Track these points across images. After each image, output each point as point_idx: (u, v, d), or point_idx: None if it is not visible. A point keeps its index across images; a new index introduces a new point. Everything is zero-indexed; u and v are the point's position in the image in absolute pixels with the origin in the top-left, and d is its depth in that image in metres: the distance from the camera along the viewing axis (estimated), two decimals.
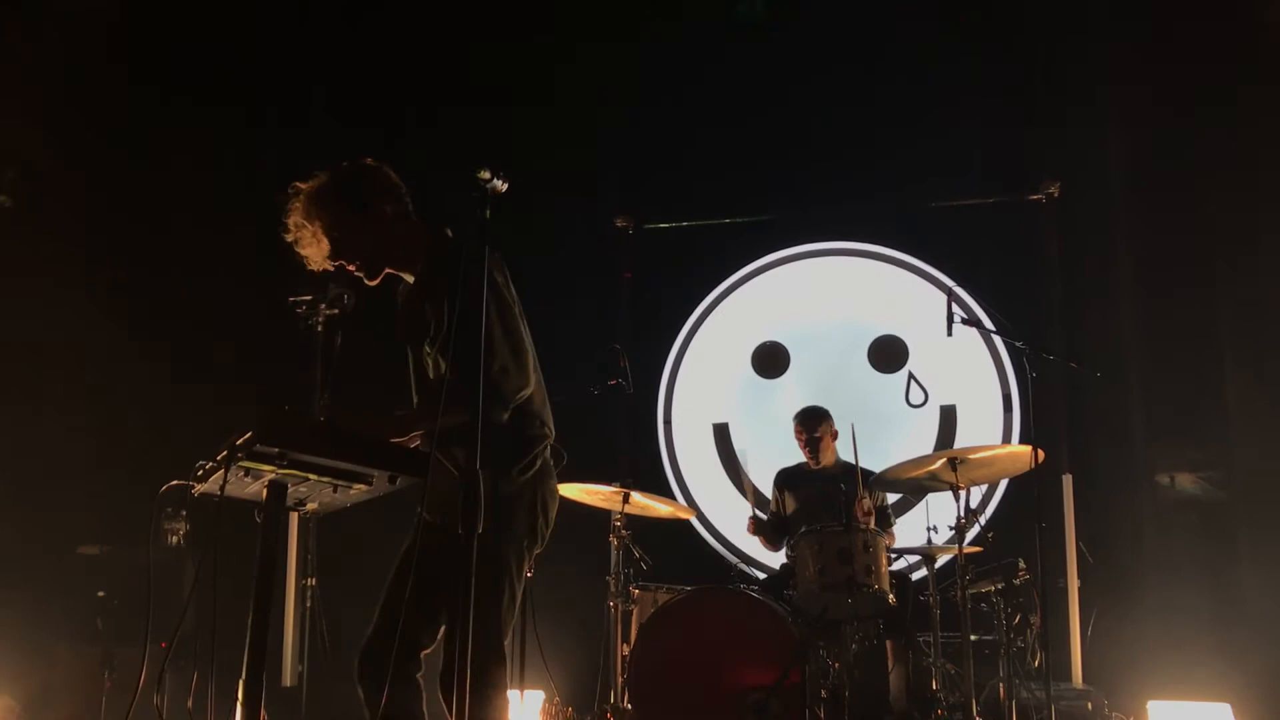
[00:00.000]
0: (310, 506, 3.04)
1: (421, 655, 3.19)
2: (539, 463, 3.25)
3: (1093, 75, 6.73)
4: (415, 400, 3.33)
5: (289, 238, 3.28)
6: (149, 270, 6.92)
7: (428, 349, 3.23)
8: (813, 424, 6.19)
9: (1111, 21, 6.68)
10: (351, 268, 3.32)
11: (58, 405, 6.26)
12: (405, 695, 3.13)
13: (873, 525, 5.35)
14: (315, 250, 3.28)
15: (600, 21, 7.30)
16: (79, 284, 6.54)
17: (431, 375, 3.25)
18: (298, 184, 3.30)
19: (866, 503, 5.56)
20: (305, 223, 3.25)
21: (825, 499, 5.77)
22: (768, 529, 6.30)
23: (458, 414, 2.62)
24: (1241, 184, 6.36)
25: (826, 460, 6.20)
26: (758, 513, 6.25)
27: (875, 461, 5.64)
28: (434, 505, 2.98)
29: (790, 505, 6.26)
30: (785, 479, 6.38)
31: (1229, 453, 6.42)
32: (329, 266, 3.33)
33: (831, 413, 6.21)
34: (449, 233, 3.29)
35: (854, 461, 5.51)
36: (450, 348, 2.93)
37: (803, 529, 5.33)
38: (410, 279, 3.38)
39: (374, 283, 3.38)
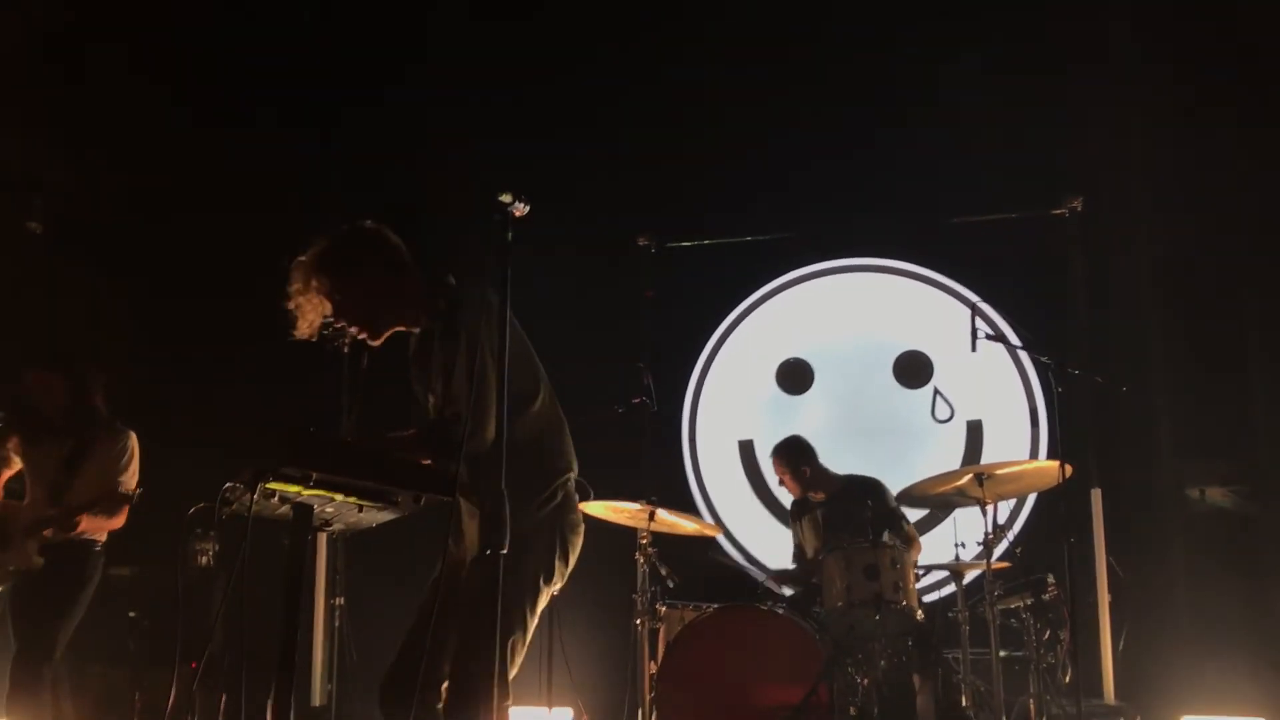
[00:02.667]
0: (336, 527, 3.07)
1: (442, 687, 3.17)
2: (559, 496, 3.23)
3: (1116, 88, 6.71)
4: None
5: (290, 305, 3.29)
6: (175, 293, 6.98)
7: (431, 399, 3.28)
8: (785, 462, 6.08)
9: (1135, 34, 6.66)
10: (354, 329, 3.35)
11: None
12: None
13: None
14: (318, 316, 3.29)
15: (623, 39, 7.34)
16: (103, 307, 6.60)
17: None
18: (299, 257, 3.31)
19: None
20: (306, 289, 3.26)
21: (843, 518, 5.69)
22: (794, 574, 6.16)
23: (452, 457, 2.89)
24: (1269, 195, 6.32)
25: (824, 489, 6.05)
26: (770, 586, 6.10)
27: (902, 477, 5.59)
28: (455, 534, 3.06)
29: (809, 536, 6.09)
30: (799, 508, 6.21)
31: (1259, 465, 6.36)
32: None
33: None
34: (452, 280, 3.31)
35: (860, 474, 5.42)
36: (469, 397, 2.99)
37: (829, 546, 5.29)
38: (416, 331, 3.40)
39: (377, 343, 3.41)
